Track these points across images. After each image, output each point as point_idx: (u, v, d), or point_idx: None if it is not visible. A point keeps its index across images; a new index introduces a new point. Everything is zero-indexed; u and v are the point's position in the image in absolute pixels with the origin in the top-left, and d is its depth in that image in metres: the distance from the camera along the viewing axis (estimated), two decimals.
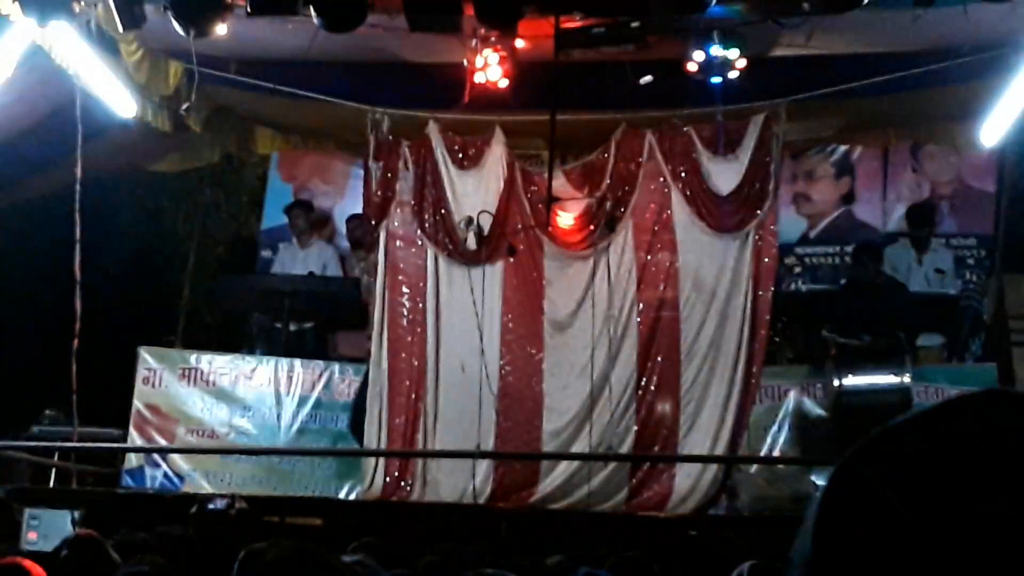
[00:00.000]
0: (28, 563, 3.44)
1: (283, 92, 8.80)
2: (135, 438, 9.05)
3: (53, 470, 9.03)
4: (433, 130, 9.00)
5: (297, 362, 9.41)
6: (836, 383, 6.54)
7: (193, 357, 9.43)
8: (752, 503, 8.25)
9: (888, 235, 10.77)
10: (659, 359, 8.70)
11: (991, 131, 8.70)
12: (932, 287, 9.84)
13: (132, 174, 11.27)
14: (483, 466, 8.46)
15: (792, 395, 8.85)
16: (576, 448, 8.57)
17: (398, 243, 9.01)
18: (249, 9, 6.91)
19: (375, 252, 9.15)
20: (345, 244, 11.04)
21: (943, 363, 9.57)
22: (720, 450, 8.52)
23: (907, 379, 7.95)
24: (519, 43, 8.04)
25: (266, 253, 11.78)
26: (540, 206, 8.64)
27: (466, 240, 8.69)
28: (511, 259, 8.80)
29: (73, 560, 3.71)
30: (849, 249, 10.13)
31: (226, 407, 9.21)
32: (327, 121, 9.89)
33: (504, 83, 8.28)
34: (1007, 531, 0.77)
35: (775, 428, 9.02)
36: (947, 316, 9.84)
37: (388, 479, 8.63)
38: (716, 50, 7.90)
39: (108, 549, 3.79)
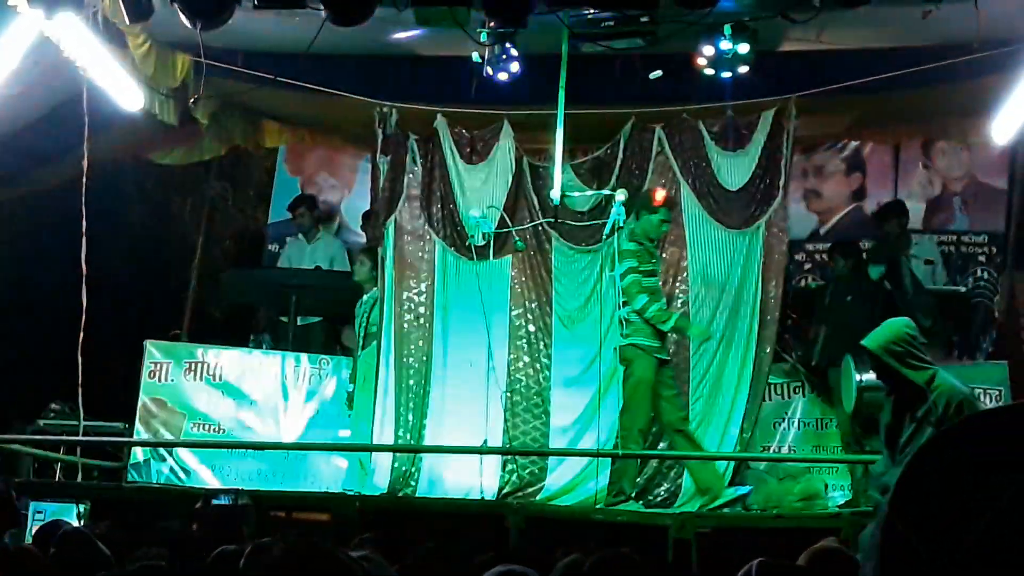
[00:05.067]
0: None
1: (291, 85, 8.76)
2: (141, 432, 9.04)
3: (59, 464, 9.02)
4: (441, 124, 8.97)
5: (304, 356, 9.39)
6: (857, 379, 6.52)
7: (199, 351, 9.41)
8: (761, 500, 8.21)
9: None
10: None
11: (1003, 127, 8.64)
12: (925, 281, 9.76)
13: (139, 167, 11.25)
14: (490, 462, 8.43)
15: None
16: (584, 445, 8.53)
17: (406, 237, 8.97)
18: (256, 2, 6.87)
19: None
20: (353, 238, 11.01)
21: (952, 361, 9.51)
22: (729, 447, 8.48)
23: None
24: (528, 37, 7.99)
25: (273, 247, 11.76)
26: (549, 201, 8.60)
27: (474, 235, 8.65)
28: (519, 254, 8.77)
29: (64, 557, 3.67)
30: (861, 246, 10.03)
31: (232, 401, 9.19)
32: (335, 115, 9.84)
33: (513, 77, 8.23)
34: None
35: (784, 425, 9.00)
36: (955, 313, 9.79)
37: (395, 475, 8.59)
38: (726, 45, 7.85)
39: (98, 544, 3.75)
